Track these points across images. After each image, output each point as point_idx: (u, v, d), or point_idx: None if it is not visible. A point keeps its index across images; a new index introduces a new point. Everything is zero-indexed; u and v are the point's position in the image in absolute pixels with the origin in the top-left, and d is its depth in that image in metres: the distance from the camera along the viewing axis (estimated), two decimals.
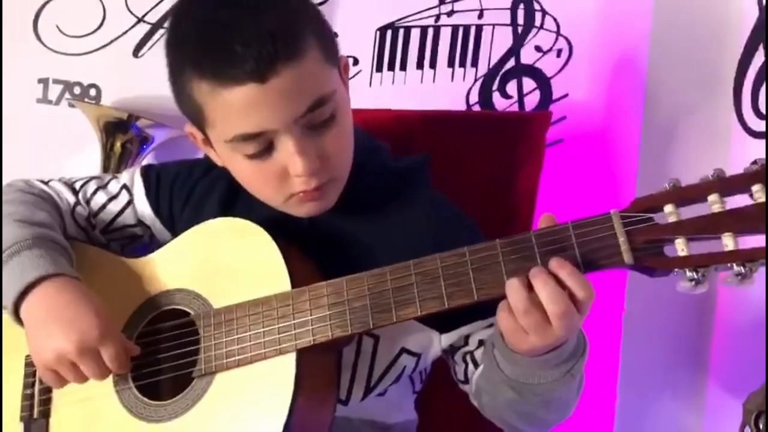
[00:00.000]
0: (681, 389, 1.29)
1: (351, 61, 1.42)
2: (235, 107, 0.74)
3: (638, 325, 1.30)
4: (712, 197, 0.61)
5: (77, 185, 0.96)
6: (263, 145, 0.76)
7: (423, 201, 0.89)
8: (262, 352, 0.75)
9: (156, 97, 1.48)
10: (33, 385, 0.86)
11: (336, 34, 0.83)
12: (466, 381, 0.86)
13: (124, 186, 0.96)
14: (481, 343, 0.83)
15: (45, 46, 1.47)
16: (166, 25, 0.92)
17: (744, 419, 0.76)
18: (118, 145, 1.39)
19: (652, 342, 1.32)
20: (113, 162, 1.39)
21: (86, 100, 1.47)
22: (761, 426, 0.74)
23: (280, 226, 0.82)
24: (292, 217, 0.84)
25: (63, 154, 1.47)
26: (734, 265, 0.59)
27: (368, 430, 0.90)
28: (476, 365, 0.84)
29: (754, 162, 0.60)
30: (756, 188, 0.59)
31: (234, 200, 0.90)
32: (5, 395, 0.87)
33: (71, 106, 1.47)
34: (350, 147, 0.82)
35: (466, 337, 0.84)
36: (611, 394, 1.28)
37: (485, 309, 0.81)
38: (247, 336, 0.76)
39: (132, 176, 0.97)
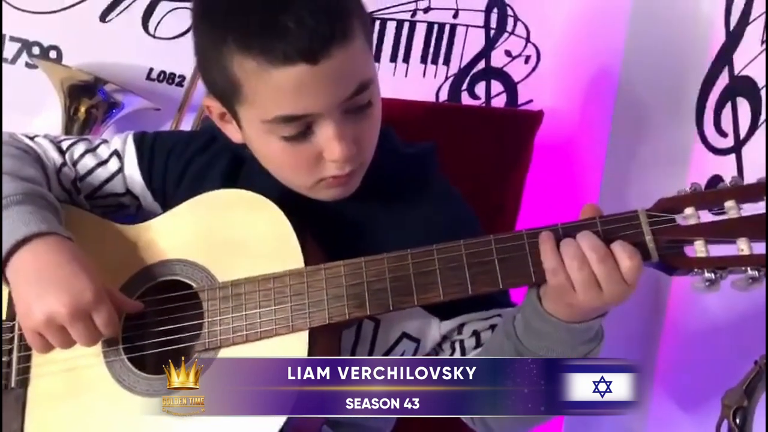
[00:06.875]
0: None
1: None
2: (282, 88, 0.71)
3: None
4: (729, 203, 0.65)
5: (64, 145, 0.91)
6: (302, 128, 0.74)
7: (434, 189, 0.89)
8: (272, 329, 0.74)
9: (121, 66, 1.42)
10: (10, 352, 0.81)
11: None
12: None
13: (115, 152, 0.90)
14: (474, 333, 0.84)
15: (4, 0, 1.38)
16: None
17: (722, 414, 0.80)
18: (82, 110, 1.32)
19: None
20: (76, 128, 1.33)
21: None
22: (738, 420, 0.79)
23: (287, 206, 0.79)
24: (301, 198, 0.82)
25: (18, 116, 1.38)
26: (749, 269, 0.62)
27: None
28: (463, 353, 0.84)
29: None
30: None
31: (236, 177, 0.87)
32: None
33: (30, 66, 1.39)
34: (378, 134, 0.81)
35: (461, 326, 0.84)
36: None
37: (487, 301, 0.83)
38: (257, 312, 0.74)
39: (124, 143, 0.91)
